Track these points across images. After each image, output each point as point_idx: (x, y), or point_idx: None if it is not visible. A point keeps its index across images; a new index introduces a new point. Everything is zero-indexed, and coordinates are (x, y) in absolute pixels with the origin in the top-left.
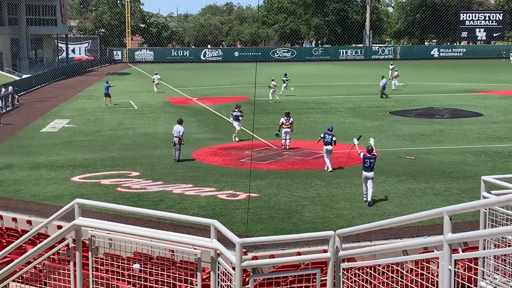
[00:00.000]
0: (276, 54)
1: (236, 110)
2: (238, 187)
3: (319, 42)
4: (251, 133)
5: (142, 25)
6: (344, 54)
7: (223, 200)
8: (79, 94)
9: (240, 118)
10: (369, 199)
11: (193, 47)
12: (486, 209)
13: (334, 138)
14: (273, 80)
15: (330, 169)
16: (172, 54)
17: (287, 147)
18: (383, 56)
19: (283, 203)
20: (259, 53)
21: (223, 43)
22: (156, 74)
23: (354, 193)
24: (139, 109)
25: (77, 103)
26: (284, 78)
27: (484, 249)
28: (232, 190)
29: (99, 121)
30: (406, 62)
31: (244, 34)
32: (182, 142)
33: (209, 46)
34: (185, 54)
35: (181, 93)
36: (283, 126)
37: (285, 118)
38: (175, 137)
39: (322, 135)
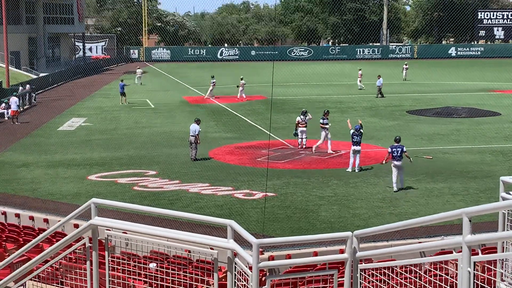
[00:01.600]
0: (293, 53)
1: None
2: (254, 186)
3: (336, 41)
4: (268, 132)
5: (159, 24)
6: (361, 53)
7: (239, 199)
8: (95, 93)
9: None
10: (396, 188)
11: (209, 46)
12: (505, 211)
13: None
14: (242, 79)
15: (357, 170)
16: (189, 53)
17: (304, 146)
18: (400, 55)
19: (299, 203)
20: (276, 52)
21: (240, 42)
22: (138, 68)
23: (370, 193)
24: (155, 108)
25: (94, 102)
26: (213, 80)
27: (503, 251)
28: (249, 189)
29: (116, 119)
30: (424, 61)
31: (260, 32)
32: (198, 141)
33: (226, 45)
34: (201, 53)
35: (198, 92)
36: (300, 125)
37: (302, 117)
38: (192, 136)
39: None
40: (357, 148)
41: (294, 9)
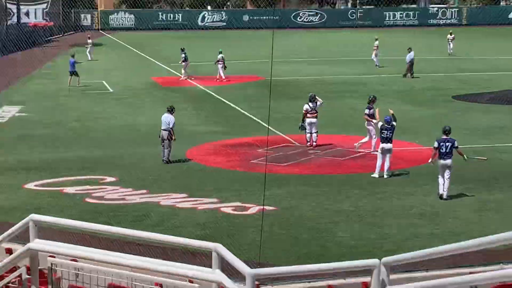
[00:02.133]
0: (299, 18)
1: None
2: (248, 198)
3: (358, 1)
4: (266, 125)
5: None
6: (392, 18)
7: (228, 214)
8: (34, 73)
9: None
10: (442, 192)
11: (187, 8)
12: None
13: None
14: (220, 52)
15: (386, 175)
16: (160, 18)
17: (314, 143)
18: (444, 21)
19: (308, 219)
20: (277, 17)
21: (228, 3)
22: (89, 38)
23: (404, 206)
24: (115, 93)
25: (32, 85)
26: (183, 55)
27: None
28: (240, 201)
29: (62, 108)
30: (475, 29)
31: None
32: (173, 137)
33: (209, 8)
34: (176, 18)
35: (172, 70)
36: (308, 115)
37: (310, 104)
38: (164, 130)
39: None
40: (387, 146)
41: None
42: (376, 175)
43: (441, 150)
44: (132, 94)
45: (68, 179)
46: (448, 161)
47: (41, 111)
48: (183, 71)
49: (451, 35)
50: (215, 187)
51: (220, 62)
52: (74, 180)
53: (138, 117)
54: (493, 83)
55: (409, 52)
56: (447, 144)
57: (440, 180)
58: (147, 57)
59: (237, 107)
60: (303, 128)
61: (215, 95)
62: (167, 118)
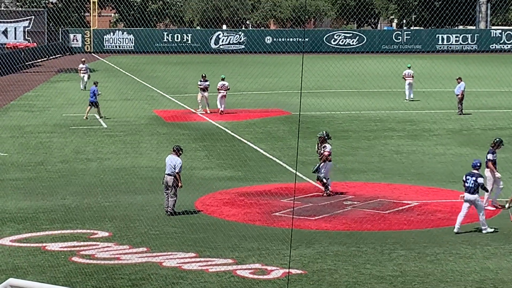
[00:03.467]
0: (334, 41)
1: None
2: (270, 259)
3: (404, 22)
4: (293, 170)
5: None
6: (445, 42)
7: (245, 279)
8: (12, 103)
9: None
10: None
11: (198, 28)
12: None
13: (481, 181)
14: (223, 79)
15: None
16: (165, 40)
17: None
18: (509, 46)
19: (344, 286)
20: (307, 39)
21: (248, 22)
22: (83, 63)
23: (460, 271)
24: (110, 128)
25: (10, 118)
26: (206, 83)
27: None
28: (261, 263)
29: (45, 147)
30: None
31: (281, 7)
32: (179, 184)
33: (224, 27)
34: (185, 40)
35: (178, 102)
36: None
37: (319, 144)
38: (169, 175)
39: (464, 178)
40: (471, 197)
41: None
42: (456, 230)
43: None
44: (130, 131)
45: (51, 233)
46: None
47: (19, 150)
48: (200, 100)
49: None
50: (230, 245)
51: (221, 91)
52: (58, 234)
53: (137, 159)
54: None
55: (459, 83)
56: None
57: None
58: (149, 85)
59: (257, 148)
60: (319, 171)
61: (230, 132)
62: (173, 161)
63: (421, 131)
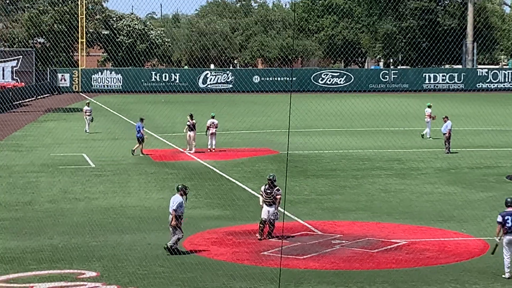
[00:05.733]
0: (321, 80)
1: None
2: None
3: (391, 61)
4: (281, 209)
5: (105, 32)
6: (432, 81)
7: None
8: (0, 143)
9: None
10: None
11: (186, 67)
12: None
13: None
14: (213, 117)
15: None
16: (152, 79)
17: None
18: (495, 85)
19: None
20: (294, 78)
21: (236, 61)
22: (88, 104)
23: None
24: (97, 168)
25: None
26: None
27: None
28: None
29: (33, 187)
30: None
31: (269, 47)
32: (172, 222)
33: (212, 67)
34: (173, 79)
35: (167, 142)
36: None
37: (268, 186)
38: (170, 213)
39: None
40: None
41: (323, 10)
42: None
43: (508, 225)
44: (118, 170)
45: (38, 273)
46: None
47: (7, 190)
48: (189, 139)
49: None
50: (218, 284)
51: (211, 128)
52: (46, 274)
53: (125, 198)
54: None
55: (446, 121)
56: None
57: (507, 260)
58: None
59: (245, 187)
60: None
61: (218, 171)
62: (173, 199)
63: (409, 170)
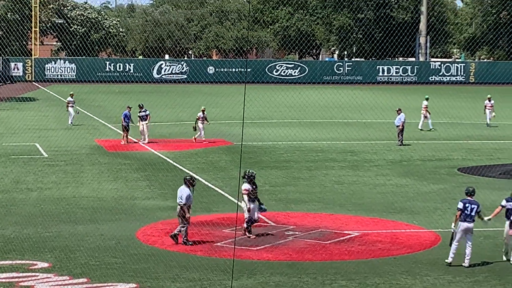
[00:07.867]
0: (276, 72)
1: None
2: None
3: (346, 53)
4: (235, 200)
5: (59, 21)
6: (386, 74)
7: None
8: None
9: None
10: (450, 259)
11: (140, 57)
12: None
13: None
14: (203, 111)
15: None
16: (107, 69)
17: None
18: (448, 78)
19: None
20: (249, 70)
21: (190, 52)
22: (71, 95)
23: None
24: (50, 158)
25: None
26: (143, 113)
27: None
28: None
29: None
30: (485, 88)
31: (224, 38)
32: (186, 215)
33: (166, 57)
34: (128, 69)
35: (120, 132)
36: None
37: (248, 186)
38: (178, 204)
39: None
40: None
41: (278, 2)
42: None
43: (466, 213)
44: (71, 160)
45: None
46: (471, 225)
47: None
48: (142, 130)
49: (489, 100)
50: (171, 275)
51: (200, 119)
52: None
53: (78, 188)
54: (507, 153)
55: (399, 114)
56: (472, 206)
57: (454, 246)
58: (90, 115)
59: (199, 178)
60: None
61: (172, 162)
62: (180, 191)
63: (361, 162)
